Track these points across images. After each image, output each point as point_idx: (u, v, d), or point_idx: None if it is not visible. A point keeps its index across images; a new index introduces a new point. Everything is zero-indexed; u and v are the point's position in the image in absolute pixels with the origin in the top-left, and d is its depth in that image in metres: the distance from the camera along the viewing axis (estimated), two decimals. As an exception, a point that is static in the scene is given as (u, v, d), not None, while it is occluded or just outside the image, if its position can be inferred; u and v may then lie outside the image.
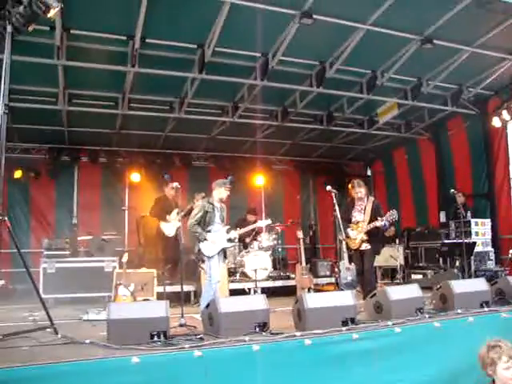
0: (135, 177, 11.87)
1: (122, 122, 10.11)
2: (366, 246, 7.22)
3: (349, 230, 7.36)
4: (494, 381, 3.49)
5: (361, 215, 7.34)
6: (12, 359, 3.70)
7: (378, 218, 7.10)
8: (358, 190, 7.39)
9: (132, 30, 6.88)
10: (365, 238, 7.19)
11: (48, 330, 4.76)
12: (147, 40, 7.19)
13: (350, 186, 7.71)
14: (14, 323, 5.42)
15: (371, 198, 7.48)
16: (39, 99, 8.73)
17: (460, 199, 9.36)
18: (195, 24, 7.02)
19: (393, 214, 7.05)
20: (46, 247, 8.66)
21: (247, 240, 9.82)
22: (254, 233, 9.58)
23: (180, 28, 7.05)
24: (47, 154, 11.29)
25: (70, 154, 11.49)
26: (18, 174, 10.78)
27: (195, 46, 7.57)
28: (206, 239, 6.43)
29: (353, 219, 7.42)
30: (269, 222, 8.07)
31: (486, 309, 5.75)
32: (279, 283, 9.38)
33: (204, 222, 6.52)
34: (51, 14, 4.52)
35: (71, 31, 6.86)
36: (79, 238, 9.81)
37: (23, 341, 4.39)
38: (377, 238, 7.34)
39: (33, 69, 7.48)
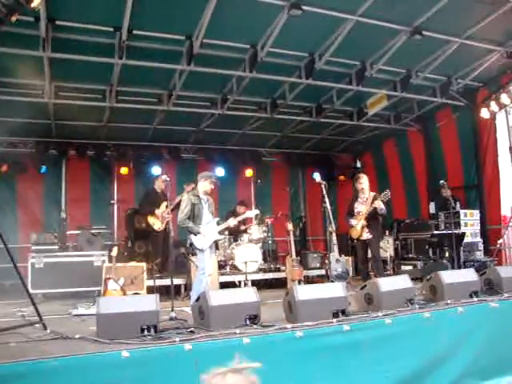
0: (123, 170, 11.80)
1: (110, 114, 9.99)
2: (367, 236, 7.69)
3: (351, 219, 7.92)
4: None
5: (363, 206, 7.86)
6: (0, 355, 3.66)
7: (375, 201, 7.57)
8: (363, 181, 8.01)
9: (119, 22, 6.75)
10: (365, 223, 7.70)
11: (37, 325, 4.74)
12: (134, 31, 7.06)
13: (354, 178, 8.45)
14: (1, 319, 5.35)
15: (372, 193, 7.93)
16: (25, 92, 8.55)
17: (446, 192, 9.33)
18: (183, 15, 6.92)
19: (386, 194, 7.63)
20: (33, 242, 8.59)
21: (241, 228, 9.82)
22: (242, 225, 9.60)
23: (168, 19, 6.95)
24: (34, 147, 11.12)
25: (57, 148, 11.35)
26: (3, 168, 10.62)
27: (183, 38, 7.46)
28: (199, 232, 6.41)
29: (355, 210, 7.95)
30: (257, 212, 8.17)
31: (475, 299, 5.81)
32: (269, 275, 9.40)
33: (193, 215, 6.49)
34: (35, 3, 4.39)
35: (56, 22, 6.70)
36: (68, 233, 9.75)
37: (12, 337, 4.34)
38: (377, 222, 7.83)
39: (18, 61, 7.32)
